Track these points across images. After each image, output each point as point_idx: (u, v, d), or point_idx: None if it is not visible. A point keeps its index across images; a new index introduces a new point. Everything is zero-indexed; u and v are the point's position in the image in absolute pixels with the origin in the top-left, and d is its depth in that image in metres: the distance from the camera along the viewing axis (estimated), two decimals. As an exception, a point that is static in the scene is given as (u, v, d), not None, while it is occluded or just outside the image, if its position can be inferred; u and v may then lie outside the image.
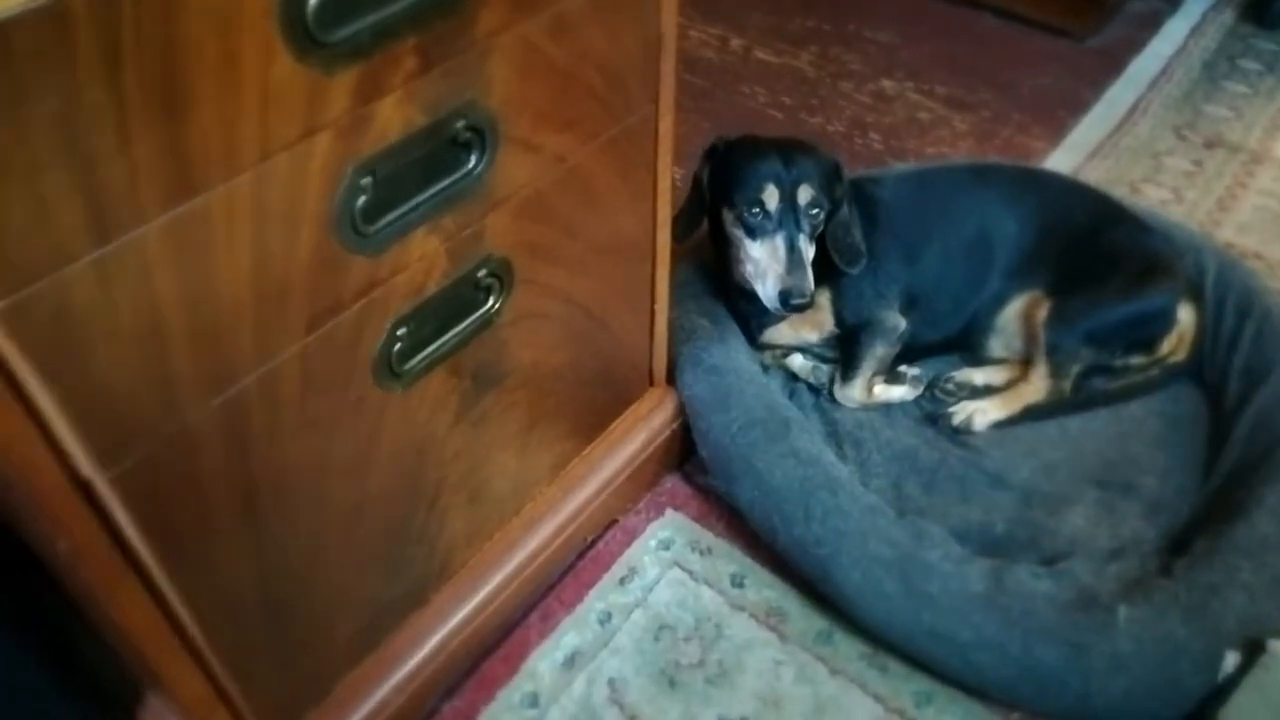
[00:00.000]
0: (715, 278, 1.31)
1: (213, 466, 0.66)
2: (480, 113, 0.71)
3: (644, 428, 1.17)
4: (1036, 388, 1.27)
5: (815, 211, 1.14)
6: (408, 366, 0.77)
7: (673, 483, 1.25)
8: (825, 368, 1.31)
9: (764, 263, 1.14)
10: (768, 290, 1.13)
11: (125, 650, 0.70)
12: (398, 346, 0.75)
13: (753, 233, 1.14)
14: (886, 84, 1.93)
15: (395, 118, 0.65)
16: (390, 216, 0.68)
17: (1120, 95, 1.90)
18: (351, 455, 0.78)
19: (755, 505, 1.11)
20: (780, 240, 1.13)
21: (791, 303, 1.11)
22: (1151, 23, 2.11)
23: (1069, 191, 1.34)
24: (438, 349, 0.79)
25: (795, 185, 1.12)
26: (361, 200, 0.65)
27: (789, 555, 1.09)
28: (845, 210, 1.18)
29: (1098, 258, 1.25)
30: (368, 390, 0.75)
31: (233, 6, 0.52)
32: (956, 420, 1.26)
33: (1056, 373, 1.26)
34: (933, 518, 1.12)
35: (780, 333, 1.28)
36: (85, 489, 0.59)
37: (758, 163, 1.14)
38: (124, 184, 0.52)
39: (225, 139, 0.55)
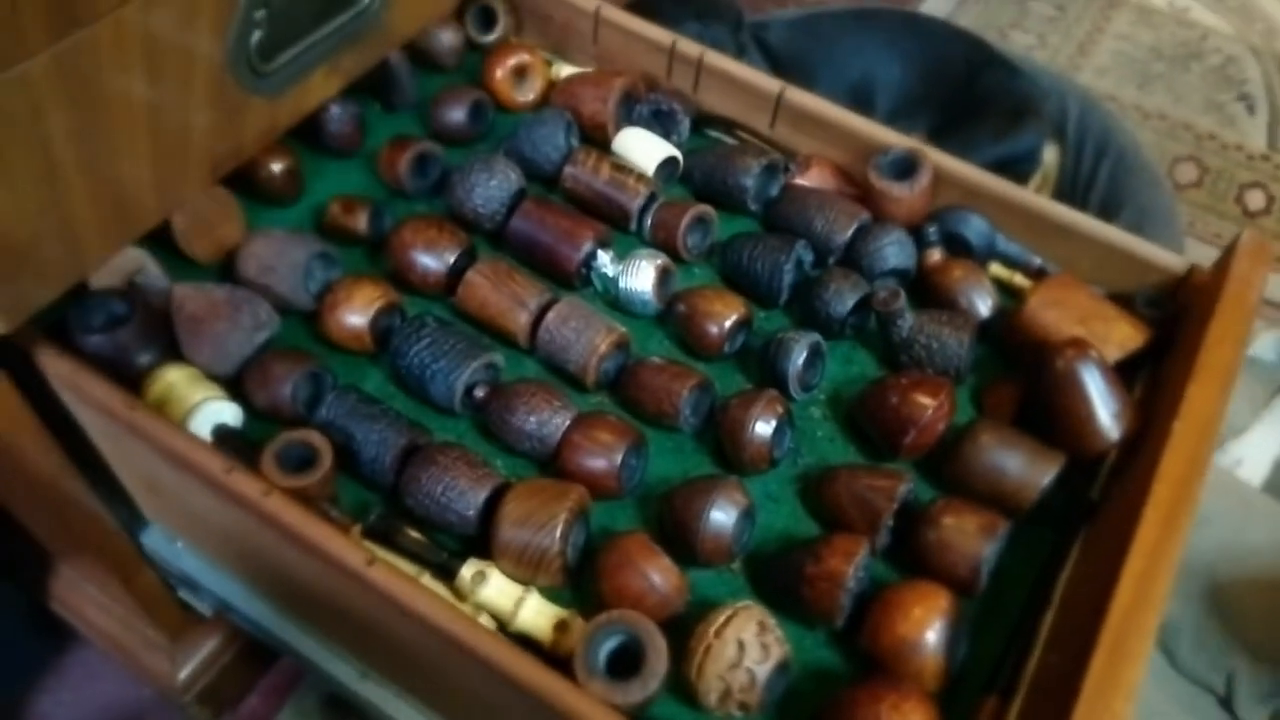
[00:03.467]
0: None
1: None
2: (376, -59, 0.67)
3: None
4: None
5: None
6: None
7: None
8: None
9: None
10: None
11: (39, 517, 0.69)
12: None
13: None
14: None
15: (289, -56, 0.61)
16: (288, 55, 0.65)
17: (990, -61, 1.92)
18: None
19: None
20: None
21: None
22: None
23: (949, 36, 1.37)
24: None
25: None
26: (257, 36, 0.62)
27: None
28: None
29: (972, 101, 1.29)
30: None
31: None
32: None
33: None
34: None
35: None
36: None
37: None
38: (5, 12, 0.47)
39: (109, -37, 0.51)
